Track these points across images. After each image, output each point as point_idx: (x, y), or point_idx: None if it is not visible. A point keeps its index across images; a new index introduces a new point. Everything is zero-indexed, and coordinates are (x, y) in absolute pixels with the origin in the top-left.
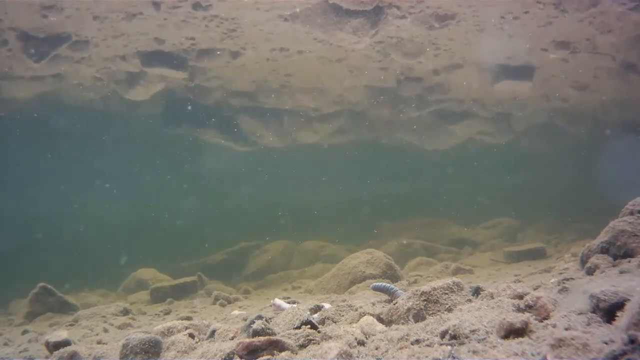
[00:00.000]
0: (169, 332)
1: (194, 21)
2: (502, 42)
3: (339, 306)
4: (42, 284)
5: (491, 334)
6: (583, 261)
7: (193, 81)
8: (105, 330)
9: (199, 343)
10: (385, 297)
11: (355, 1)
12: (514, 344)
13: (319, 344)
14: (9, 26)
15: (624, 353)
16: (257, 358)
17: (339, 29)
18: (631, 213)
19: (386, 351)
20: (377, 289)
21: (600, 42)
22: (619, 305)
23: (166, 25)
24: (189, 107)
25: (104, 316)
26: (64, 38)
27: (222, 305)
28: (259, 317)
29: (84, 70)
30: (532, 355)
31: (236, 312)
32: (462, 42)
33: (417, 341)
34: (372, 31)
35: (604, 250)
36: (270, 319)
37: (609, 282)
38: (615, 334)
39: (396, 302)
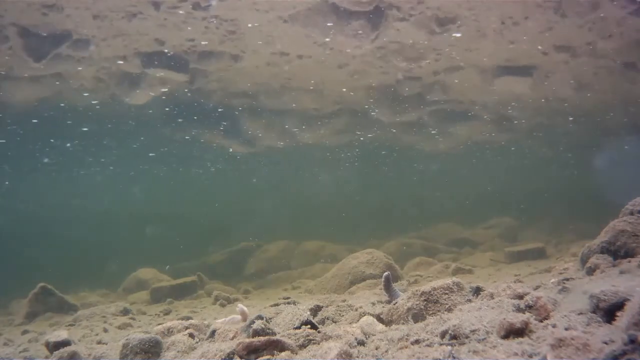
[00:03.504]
0: (169, 332)
1: (194, 21)
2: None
3: (339, 306)
4: (42, 284)
5: (491, 334)
6: (583, 261)
7: (194, 84)
8: (105, 330)
9: (199, 343)
10: (385, 297)
11: (355, 1)
12: (514, 344)
13: (319, 344)
14: (10, 21)
15: (624, 353)
16: (257, 358)
17: (339, 31)
18: (631, 213)
19: (386, 351)
20: (387, 279)
21: (601, 48)
22: (619, 305)
23: (166, 25)
24: (190, 109)
25: (104, 316)
26: (64, 36)
27: (222, 305)
28: (259, 317)
29: (85, 70)
30: (532, 355)
31: (237, 310)
32: (462, 45)
33: (417, 341)
34: (373, 34)
35: (604, 250)
36: (270, 319)
37: (609, 282)
38: (615, 334)
39: (396, 302)
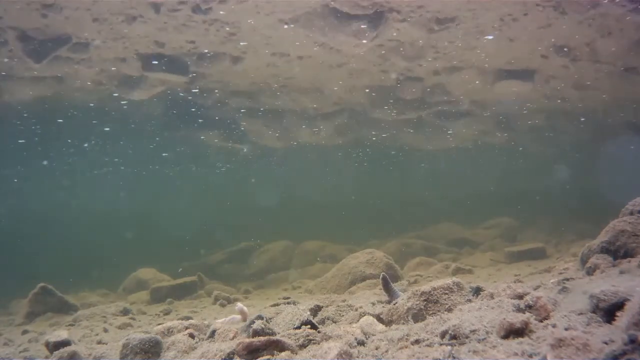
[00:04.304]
0: (169, 332)
1: (194, 24)
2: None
3: (339, 306)
4: (42, 284)
5: (491, 334)
6: (583, 261)
7: (193, 85)
8: (105, 330)
9: (199, 343)
10: (385, 297)
11: (355, 5)
12: (514, 344)
13: (319, 344)
14: (9, 25)
15: (624, 353)
16: (257, 358)
17: (339, 33)
18: (631, 213)
19: (386, 351)
20: (385, 279)
21: (600, 47)
22: (619, 305)
23: (166, 28)
24: (190, 109)
25: (104, 316)
26: (64, 40)
27: (222, 305)
28: (259, 317)
29: (84, 72)
30: (532, 355)
31: (236, 309)
32: (462, 45)
33: (417, 341)
34: (373, 34)
35: (604, 250)
36: (270, 319)
37: (609, 282)
38: (615, 334)
39: (396, 302)
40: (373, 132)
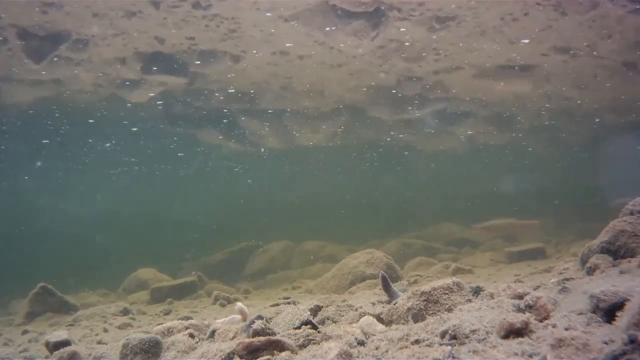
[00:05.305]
0: (169, 332)
1: (193, 20)
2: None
3: (339, 306)
4: (42, 284)
5: (491, 334)
6: (583, 261)
7: (193, 85)
8: (105, 330)
9: (199, 343)
10: (385, 297)
11: (355, 2)
12: (514, 344)
13: (319, 344)
14: (9, 22)
15: (624, 353)
16: (257, 358)
17: (339, 31)
18: (631, 213)
19: (386, 351)
20: (384, 279)
21: (600, 46)
22: (619, 306)
23: (166, 24)
24: (189, 110)
25: (104, 316)
26: (64, 37)
27: (222, 305)
28: (259, 317)
29: (84, 74)
30: (532, 355)
31: (235, 309)
32: (462, 45)
33: (417, 341)
34: (373, 33)
35: (604, 250)
36: (270, 319)
37: (609, 282)
38: (615, 334)
39: (396, 302)
40: (392, 133)
